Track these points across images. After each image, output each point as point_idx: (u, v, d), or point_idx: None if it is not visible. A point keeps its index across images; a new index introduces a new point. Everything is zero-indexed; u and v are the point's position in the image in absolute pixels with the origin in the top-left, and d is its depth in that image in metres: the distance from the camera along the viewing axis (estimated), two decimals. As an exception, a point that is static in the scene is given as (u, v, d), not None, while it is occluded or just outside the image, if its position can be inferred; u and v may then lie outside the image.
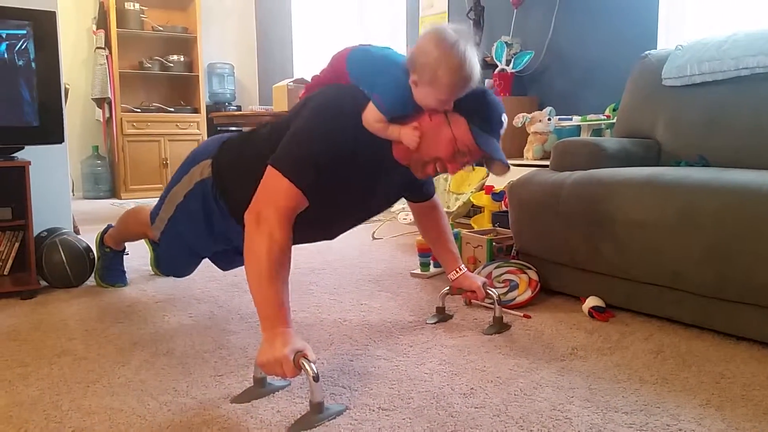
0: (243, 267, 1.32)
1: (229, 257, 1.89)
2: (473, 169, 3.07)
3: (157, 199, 1.85)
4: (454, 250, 1.85)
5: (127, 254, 2.32)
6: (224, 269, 1.99)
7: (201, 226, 1.68)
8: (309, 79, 4.72)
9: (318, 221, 1.50)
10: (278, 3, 6.11)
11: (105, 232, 2.24)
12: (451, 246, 1.84)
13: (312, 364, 1.17)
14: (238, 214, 1.60)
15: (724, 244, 1.54)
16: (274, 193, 1.31)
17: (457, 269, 1.82)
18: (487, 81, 3.80)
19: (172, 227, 1.77)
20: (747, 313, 1.56)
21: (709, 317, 1.64)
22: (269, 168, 1.34)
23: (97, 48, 5.42)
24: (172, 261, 1.87)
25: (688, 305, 1.68)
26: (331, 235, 1.72)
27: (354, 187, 1.49)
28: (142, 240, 2.24)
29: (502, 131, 1.46)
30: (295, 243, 1.53)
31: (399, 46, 4.76)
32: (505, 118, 1.45)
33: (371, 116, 1.37)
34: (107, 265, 2.23)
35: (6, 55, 2.06)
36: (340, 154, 1.36)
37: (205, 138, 5.82)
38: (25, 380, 1.39)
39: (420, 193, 1.79)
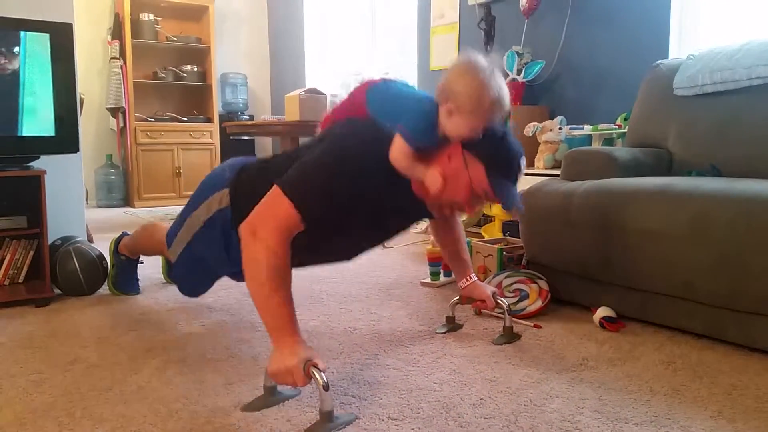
0: None
1: None
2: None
3: (175, 218, 1.84)
4: (467, 259, 1.85)
5: (142, 263, 2.34)
6: (242, 281, 1.99)
7: (221, 252, 1.68)
8: (320, 90, 4.71)
9: (333, 248, 1.53)
10: (291, 14, 6.16)
11: (119, 240, 2.25)
12: (464, 255, 1.84)
13: (322, 374, 1.18)
14: None
15: (736, 254, 1.53)
16: (274, 213, 1.30)
17: (468, 278, 1.82)
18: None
19: (190, 251, 1.76)
20: (759, 323, 1.54)
21: (721, 328, 1.63)
22: (274, 186, 1.33)
23: (112, 58, 5.49)
24: (188, 281, 1.85)
25: (700, 316, 1.67)
26: (348, 258, 1.74)
27: (367, 220, 1.49)
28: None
29: (521, 175, 1.45)
30: (312, 264, 1.54)
31: (410, 56, 4.78)
32: (523, 161, 1.43)
33: (398, 149, 1.36)
34: (121, 273, 2.25)
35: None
36: (353, 193, 1.35)
37: (217, 146, 5.88)
38: (38, 387, 1.40)
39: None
